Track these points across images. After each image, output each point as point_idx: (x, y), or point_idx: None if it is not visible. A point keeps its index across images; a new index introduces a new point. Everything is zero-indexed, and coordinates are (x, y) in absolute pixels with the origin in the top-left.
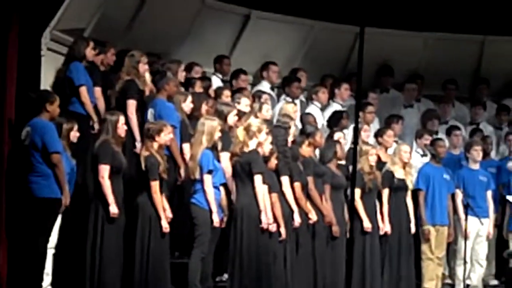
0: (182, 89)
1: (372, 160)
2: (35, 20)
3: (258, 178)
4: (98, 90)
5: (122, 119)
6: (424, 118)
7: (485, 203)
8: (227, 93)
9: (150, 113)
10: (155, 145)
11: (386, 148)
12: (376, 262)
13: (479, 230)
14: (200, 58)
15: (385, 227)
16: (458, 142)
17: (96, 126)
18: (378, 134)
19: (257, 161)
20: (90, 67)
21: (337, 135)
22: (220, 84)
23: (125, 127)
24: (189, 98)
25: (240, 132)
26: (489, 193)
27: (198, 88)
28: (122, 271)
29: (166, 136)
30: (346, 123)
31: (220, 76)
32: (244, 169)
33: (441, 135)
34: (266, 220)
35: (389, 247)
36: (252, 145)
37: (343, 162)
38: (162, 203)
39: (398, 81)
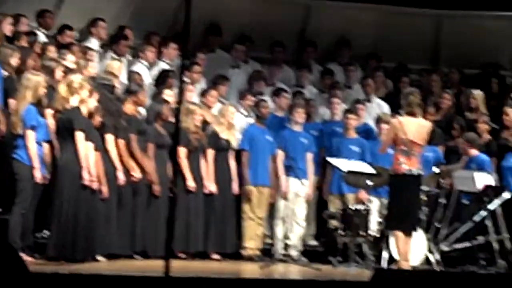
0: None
1: (198, 120)
2: None
3: (79, 135)
4: None
5: None
6: (251, 79)
7: (306, 165)
8: (52, 48)
9: None
10: None
11: (210, 108)
12: (200, 221)
13: (299, 191)
14: (26, 12)
15: (210, 186)
16: (285, 104)
17: None
18: (202, 94)
19: (78, 118)
20: None
21: (166, 93)
22: (44, 39)
23: None
24: (17, 53)
25: (61, 88)
26: (310, 155)
27: (24, 42)
28: None
29: None
30: (173, 82)
31: (44, 30)
32: (66, 126)
33: (267, 97)
34: (88, 177)
35: (212, 207)
36: (73, 101)
37: (171, 120)
38: None
39: (225, 42)
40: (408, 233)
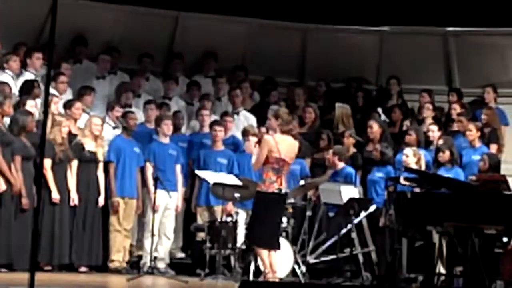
0: None
1: (65, 131)
2: None
3: None
4: None
5: None
6: (118, 91)
7: (174, 177)
8: None
9: None
10: None
11: (76, 120)
12: (65, 233)
13: (168, 203)
14: None
15: (74, 199)
16: (152, 116)
17: None
18: (66, 106)
19: None
20: None
21: (29, 104)
22: None
23: None
24: None
25: None
26: (178, 167)
27: None
28: None
29: None
30: (39, 92)
31: None
32: None
33: (135, 108)
34: None
35: (77, 219)
36: None
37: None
38: None
39: (94, 53)
40: (270, 250)
